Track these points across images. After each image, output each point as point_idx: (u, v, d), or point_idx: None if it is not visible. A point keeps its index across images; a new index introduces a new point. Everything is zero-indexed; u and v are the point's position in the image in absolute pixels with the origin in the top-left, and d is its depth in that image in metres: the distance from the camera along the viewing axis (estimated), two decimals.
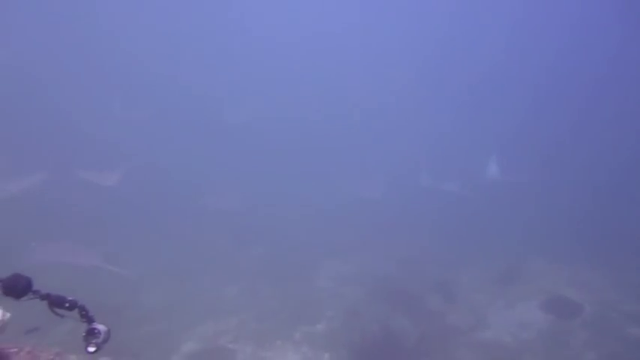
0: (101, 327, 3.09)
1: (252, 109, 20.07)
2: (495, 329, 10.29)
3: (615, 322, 10.41)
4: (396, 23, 26.80)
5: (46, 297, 3.02)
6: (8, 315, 2.66)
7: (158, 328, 9.74)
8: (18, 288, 2.86)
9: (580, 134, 20.13)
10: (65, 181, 13.31)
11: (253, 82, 22.62)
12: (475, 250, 13.48)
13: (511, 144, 18.53)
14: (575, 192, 16.41)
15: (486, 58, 23.88)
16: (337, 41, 26.57)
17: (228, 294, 11.45)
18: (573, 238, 13.72)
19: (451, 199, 15.55)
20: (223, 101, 20.77)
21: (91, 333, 3.07)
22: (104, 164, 13.73)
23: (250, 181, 16.46)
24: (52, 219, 12.04)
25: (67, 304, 3.03)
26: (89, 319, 3.08)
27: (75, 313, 3.10)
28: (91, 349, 3.05)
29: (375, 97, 23.19)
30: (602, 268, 12.55)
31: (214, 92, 20.82)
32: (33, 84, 17.28)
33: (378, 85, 24.03)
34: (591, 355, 9.38)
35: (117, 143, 16.07)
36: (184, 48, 22.88)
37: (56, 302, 3.03)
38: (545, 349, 9.63)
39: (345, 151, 19.94)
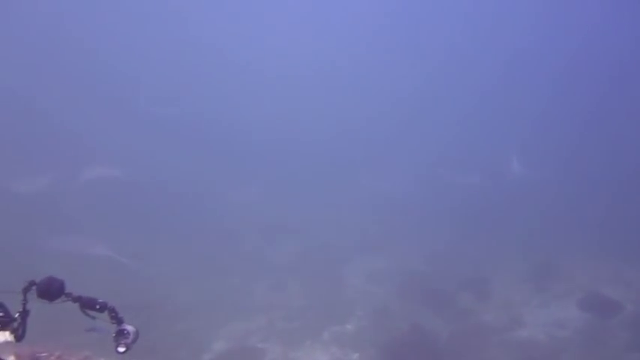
0: (130, 328, 3.16)
1: (272, 105, 20.27)
2: (530, 328, 10.02)
3: None
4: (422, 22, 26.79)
5: (78, 299, 3.10)
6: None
7: (188, 326, 9.80)
8: (52, 291, 2.94)
9: (604, 130, 19.57)
10: (76, 179, 13.62)
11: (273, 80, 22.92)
12: (506, 246, 13.14)
13: (533, 140, 18.16)
14: (602, 189, 15.91)
15: (508, 56, 23.57)
16: (363, 37, 26.60)
17: (257, 292, 11.47)
18: (609, 235, 13.19)
19: (475, 193, 15.28)
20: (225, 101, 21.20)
21: (121, 334, 3.14)
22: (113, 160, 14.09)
23: (273, 176, 16.56)
24: (66, 216, 12.36)
25: (97, 306, 3.11)
26: (119, 321, 3.15)
27: (105, 314, 3.16)
28: (121, 349, 3.13)
29: (397, 92, 23.09)
30: None
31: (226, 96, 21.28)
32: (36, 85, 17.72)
33: (401, 80, 23.91)
34: (634, 356, 8.99)
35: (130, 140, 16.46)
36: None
37: (87, 304, 3.10)
38: (582, 348, 9.32)
39: (369, 147, 19.84)
